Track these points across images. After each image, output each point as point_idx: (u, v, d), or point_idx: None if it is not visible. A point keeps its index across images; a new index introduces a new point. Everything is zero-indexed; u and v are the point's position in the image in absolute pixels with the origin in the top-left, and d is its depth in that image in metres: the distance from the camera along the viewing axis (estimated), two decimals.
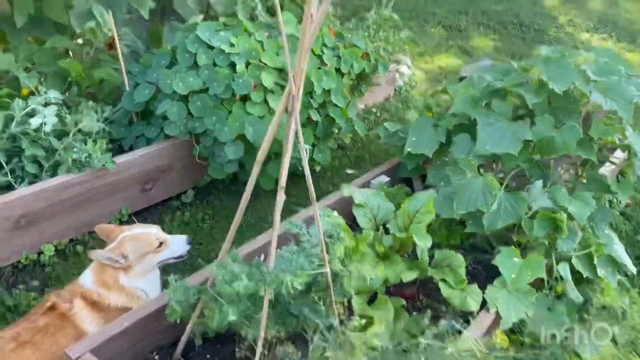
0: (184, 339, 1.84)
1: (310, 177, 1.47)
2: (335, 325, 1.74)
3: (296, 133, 1.41)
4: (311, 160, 3.25)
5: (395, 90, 4.54)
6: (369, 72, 3.58)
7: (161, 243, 1.96)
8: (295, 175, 3.37)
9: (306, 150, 1.43)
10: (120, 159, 2.65)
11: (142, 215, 2.87)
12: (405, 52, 5.29)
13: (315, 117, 3.05)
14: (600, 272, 2.15)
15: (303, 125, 3.05)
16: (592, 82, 2.10)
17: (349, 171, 3.52)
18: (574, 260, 2.14)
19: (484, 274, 2.33)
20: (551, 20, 6.74)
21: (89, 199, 2.57)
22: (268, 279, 1.43)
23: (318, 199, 3.19)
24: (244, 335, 1.89)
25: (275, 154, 3.06)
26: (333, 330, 1.74)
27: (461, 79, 2.89)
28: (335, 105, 3.19)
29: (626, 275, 2.36)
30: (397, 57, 5.05)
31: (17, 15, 2.80)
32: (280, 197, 1.45)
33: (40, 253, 2.46)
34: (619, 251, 2.28)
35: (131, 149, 2.89)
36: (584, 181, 2.31)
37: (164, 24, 3.74)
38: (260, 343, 1.53)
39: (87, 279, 1.91)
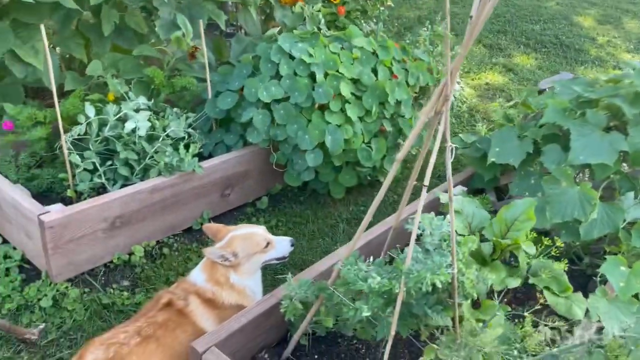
0: (296, 337, 1.86)
1: (450, 176, 1.50)
2: (450, 328, 1.76)
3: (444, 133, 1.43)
4: (380, 172, 3.30)
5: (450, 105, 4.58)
6: (432, 85, 3.64)
7: (268, 243, 2.01)
8: (362, 185, 3.43)
9: (452, 149, 1.46)
10: (205, 164, 2.71)
11: (220, 220, 2.91)
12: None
13: (388, 127, 3.11)
14: None
15: (375, 135, 3.11)
16: None
17: (417, 183, 3.54)
18: None
19: (573, 284, 2.33)
20: (590, 41, 6.79)
21: (176, 202, 2.62)
22: (408, 276, 1.46)
23: (387, 208, 3.25)
24: (351, 334, 1.93)
25: (346, 163, 3.11)
26: (447, 332, 1.77)
27: (540, 91, 2.93)
28: (403, 117, 3.24)
29: None
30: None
31: (104, 25, 2.90)
32: (423, 194, 1.48)
33: (130, 254, 2.51)
34: None
35: (210, 156, 2.96)
36: None
37: (224, 36, 3.86)
38: (390, 341, 1.55)
39: (199, 277, 1.95)
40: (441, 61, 3.87)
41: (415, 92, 3.60)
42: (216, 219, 2.91)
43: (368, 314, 1.52)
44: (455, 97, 4.70)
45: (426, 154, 1.59)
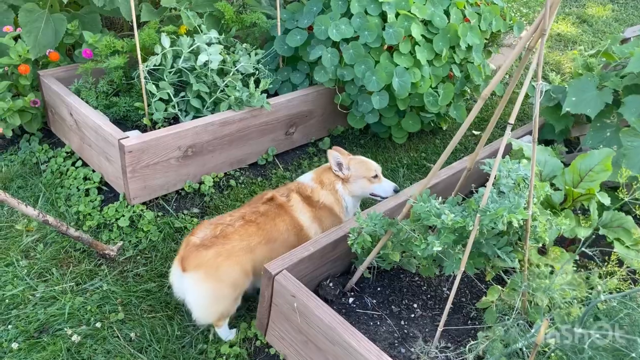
0: (362, 268, 1.93)
1: (537, 116, 1.47)
2: (518, 270, 1.78)
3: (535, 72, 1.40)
4: (444, 119, 3.25)
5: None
6: (503, 32, 3.50)
7: (377, 176, 2.18)
8: (424, 132, 3.40)
9: (541, 90, 1.42)
10: (272, 101, 2.74)
11: (283, 158, 2.98)
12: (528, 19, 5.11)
13: (456, 72, 3.03)
14: None
15: (442, 81, 3.05)
16: None
17: (476, 132, 3.49)
18: None
19: None
20: None
21: (244, 137, 2.69)
22: (484, 214, 1.47)
23: (452, 154, 3.22)
24: (415, 271, 1.98)
25: (411, 108, 3.08)
26: (515, 275, 1.78)
27: (623, 40, 2.78)
28: (472, 63, 3.15)
29: None
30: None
31: None
32: (507, 134, 1.47)
33: (200, 183, 2.62)
34: None
35: (276, 94, 2.99)
36: None
37: None
38: (458, 277, 1.58)
39: (307, 177, 2.20)
40: (514, 7, 3.70)
41: (486, 39, 3.47)
42: (279, 156, 2.97)
43: (439, 248, 1.55)
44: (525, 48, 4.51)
45: (512, 92, 1.55)
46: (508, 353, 1.37)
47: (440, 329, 1.66)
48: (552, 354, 1.24)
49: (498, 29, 3.35)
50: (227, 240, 1.85)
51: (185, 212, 2.53)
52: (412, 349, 1.77)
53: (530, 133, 2.86)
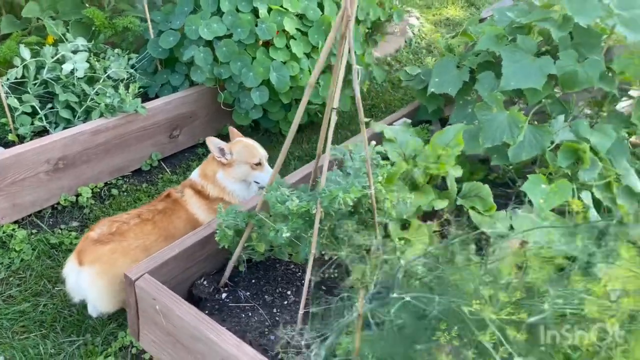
0: (231, 263, 1.94)
1: (360, 100, 1.54)
2: (375, 247, 1.85)
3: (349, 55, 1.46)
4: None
5: (405, 42, 4.57)
6: (384, 20, 3.61)
7: (260, 164, 2.19)
8: (314, 122, 3.45)
9: (358, 72, 1.49)
10: (149, 105, 2.70)
11: (170, 162, 2.95)
12: (413, 5, 5.30)
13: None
14: (620, 201, 2.26)
15: (323, 72, 3.11)
16: (616, 15, 2.16)
17: (366, 119, 3.57)
18: (594, 190, 2.24)
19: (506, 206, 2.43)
20: None
21: (122, 144, 2.64)
22: (321, 196, 1.52)
23: (339, 143, 3.29)
24: (288, 259, 2.02)
25: (296, 100, 3.12)
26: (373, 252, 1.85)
27: (481, 20, 2.94)
28: (354, 53, 3.23)
29: None
30: (407, 9, 5.06)
31: None
32: (333, 118, 1.52)
33: (77, 195, 2.54)
34: (637, 183, 2.38)
35: (156, 97, 2.95)
36: (605, 115, 2.40)
37: None
38: (311, 259, 1.63)
39: (195, 173, 2.25)
40: None
41: (368, 28, 3.57)
42: (166, 160, 2.94)
43: (288, 234, 1.59)
44: (413, 34, 4.68)
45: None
46: (342, 326, 1.43)
47: (301, 311, 1.70)
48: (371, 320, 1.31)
49: (377, 17, 3.46)
50: (123, 238, 1.93)
51: (63, 226, 2.45)
52: (288, 336, 1.80)
53: (408, 116, 2.97)
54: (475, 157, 2.55)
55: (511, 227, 2.10)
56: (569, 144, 2.19)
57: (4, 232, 2.32)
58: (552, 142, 2.27)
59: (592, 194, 2.25)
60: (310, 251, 1.63)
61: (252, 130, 3.29)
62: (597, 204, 2.30)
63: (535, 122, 2.47)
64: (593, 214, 2.16)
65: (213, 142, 2.16)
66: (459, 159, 2.41)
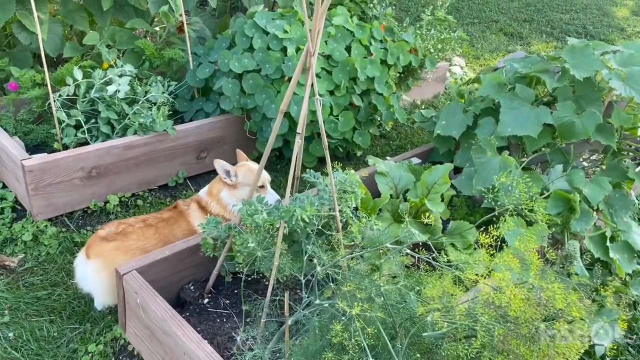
0: (215, 272, 2.11)
1: (323, 126, 1.69)
2: (342, 267, 1.95)
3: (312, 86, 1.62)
4: (352, 144, 3.47)
5: (445, 88, 4.68)
6: (416, 66, 3.76)
7: (263, 186, 2.35)
8: (337, 157, 3.62)
9: (321, 102, 1.64)
10: (180, 127, 2.99)
11: (196, 180, 3.20)
12: (461, 55, 5.41)
13: (357, 102, 3.28)
14: (613, 254, 2.22)
15: (345, 109, 3.28)
16: (614, 70, 2.19)
17: (389, 158, 3.70)
18: (586, 241, 2.23)
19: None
20: (619, 32, 6.59)
21: (151, 160, 2.92)
22: (280, 212, 1.67)
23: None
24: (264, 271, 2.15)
25: (318, 134, 3.31)
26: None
27: (495, 69, 3.02)
28: (379, 94, 3.40)
29: None
30: (452, 58, 5.18)
31: (103, 1, 3.23)
32: (298, 142, 1.68)
33: (106, 202, 2.84)
34: (638, 239, 2.33)
35: (191, 121, 3.24)
36: (604, 167, 2.39)
37: (231, 16, 4.12)
38: (274, 270, 1.76)
39: (204, 190, 2.46)
40: (436, 45, 3.97)
41: (399, 72, 3.74)
42: (192, 179, 3.20)
43: (253, 244, 1.74)
44: (456, 80, 4.78)
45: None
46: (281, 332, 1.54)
47: (263, 319, 1.82)
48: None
49: (407, 63, 3.62)
50: (126, 238, 2.15)
51: (89, 228, 2.74)
52: (247, 341, 1.92)
53: (421, 156, 3.07)
54: (475, 199, 2.60)
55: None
56: (559, 192, 2.20)
57: (37, 228, 2.63)
58: (547, 190, 2.30)
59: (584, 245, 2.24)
60: (273, 265, 1.77)
61: (277, 158, 3.51)
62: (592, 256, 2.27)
63: (539, 171, 2.50)
64: (578, 264, 2.15)
65: (220, 164, 2.37)
66: (462, 200, 2.48)
